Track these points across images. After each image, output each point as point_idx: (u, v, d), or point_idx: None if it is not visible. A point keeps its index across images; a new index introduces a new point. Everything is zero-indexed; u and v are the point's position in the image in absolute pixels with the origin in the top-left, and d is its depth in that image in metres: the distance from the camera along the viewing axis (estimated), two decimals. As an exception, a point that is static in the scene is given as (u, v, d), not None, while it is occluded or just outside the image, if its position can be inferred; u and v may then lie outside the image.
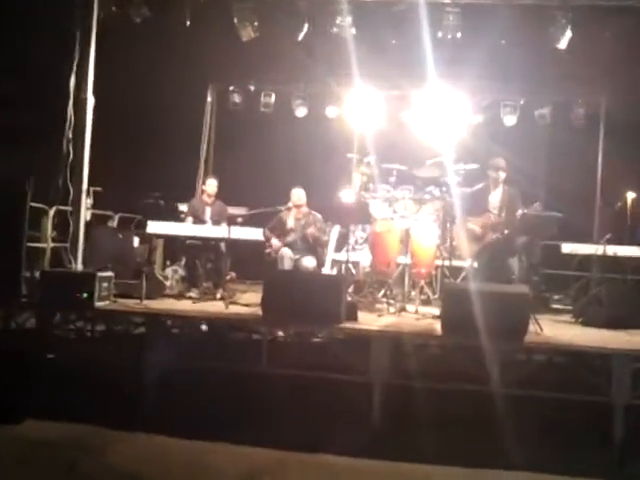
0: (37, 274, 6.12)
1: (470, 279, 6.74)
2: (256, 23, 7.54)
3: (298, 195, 7.48)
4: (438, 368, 5.48)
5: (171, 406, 5.40)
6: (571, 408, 5.29)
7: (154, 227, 6.87)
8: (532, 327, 5.57)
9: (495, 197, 6.90)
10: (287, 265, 7.08)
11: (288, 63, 8.94)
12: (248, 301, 6.76)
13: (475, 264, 6.86)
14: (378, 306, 6.87)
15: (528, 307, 5.47)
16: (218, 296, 6.98)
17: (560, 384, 5.38)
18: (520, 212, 6.41)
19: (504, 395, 5.20)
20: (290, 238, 7.34)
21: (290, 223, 7.43)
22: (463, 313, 5.28)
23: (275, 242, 7.28)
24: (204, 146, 9.95)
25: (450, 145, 8.00)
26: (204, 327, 6.22)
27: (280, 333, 6.18)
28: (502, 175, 6.89)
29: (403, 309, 6.70)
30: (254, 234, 6.88)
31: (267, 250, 7.31)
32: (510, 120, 9.59)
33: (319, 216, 7.43)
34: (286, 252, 7.17)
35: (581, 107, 9.48)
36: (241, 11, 7.49)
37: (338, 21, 7.41)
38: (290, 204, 7.43)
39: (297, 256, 7.22)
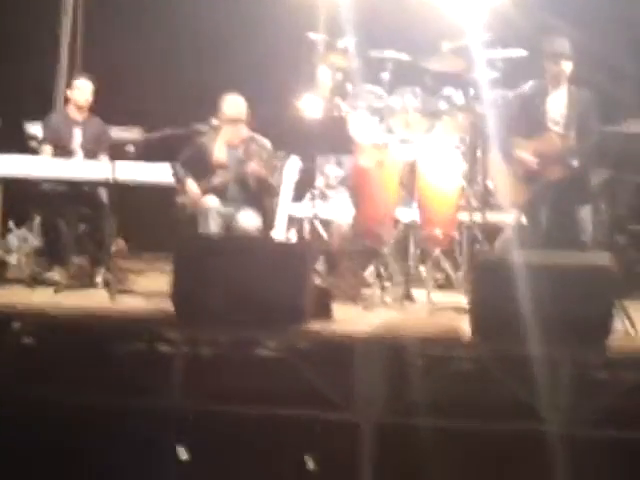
0: None
1: (516, 244, 6.78)
2: None
3: (232, 105, 7.41)
4: (466, 395, 5.55)
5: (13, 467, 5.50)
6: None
7: (-15, 164, 6.88)
8: (619, 323, 5.63)
9: (557, 104, 6.92)
10: (213, 226, 7.10)
11: None
12: (148, 288, 6.87)
13: (525, 219, 6.93)
14: (365, 292, 6.92)
15: (612, 289, 5.53)
16: (98, 280, 7.07)
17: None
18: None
19: (572, 438, 5.29)
20: (219, 180, 7.35)
21: (219, 154, 7.41)
22: (505, 302, 5.34)
23: (192, 186, 7.29)
24: (67, 22, 9.76)
25: (480, 17, 7.94)
26: None
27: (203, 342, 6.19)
28: (567, 67, 6.89)
29: (407, 296, 6.80)
30: (156, 174, 6.92)
31: (179, 199, 7.32)
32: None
33: (265, 142, 7.42)
34: (212, 204, 7.19)
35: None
36: None
37: None
38: (216, 122, 7.40)
39: (230, 210, 7.24)
